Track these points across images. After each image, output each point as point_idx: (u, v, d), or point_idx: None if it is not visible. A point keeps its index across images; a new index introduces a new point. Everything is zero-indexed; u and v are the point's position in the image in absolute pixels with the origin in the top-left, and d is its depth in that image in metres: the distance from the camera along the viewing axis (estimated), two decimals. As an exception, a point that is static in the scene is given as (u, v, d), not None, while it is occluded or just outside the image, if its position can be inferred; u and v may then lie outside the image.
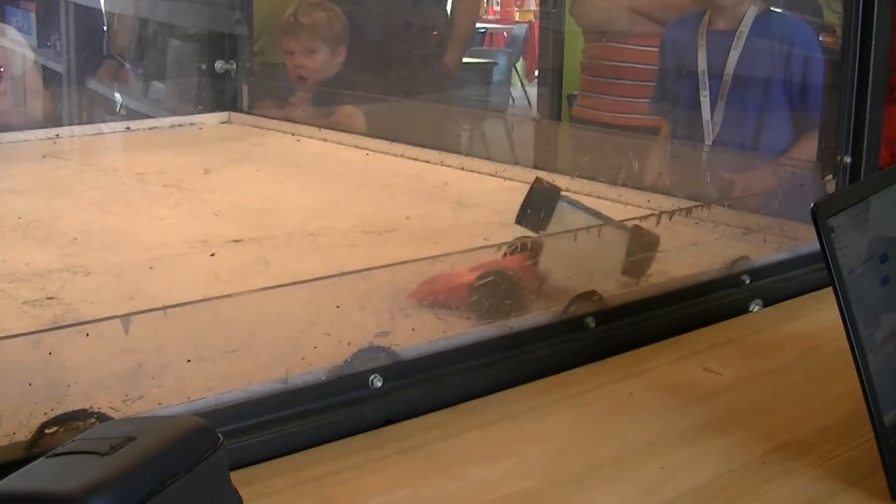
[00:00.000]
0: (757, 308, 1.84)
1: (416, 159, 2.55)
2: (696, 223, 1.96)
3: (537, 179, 1.95)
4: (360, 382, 1.42)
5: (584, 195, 2.29)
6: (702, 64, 3.14)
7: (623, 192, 2.37)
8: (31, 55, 3.98)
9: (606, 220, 1.90)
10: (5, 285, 1.61)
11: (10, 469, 1.08)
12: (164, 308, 1.35)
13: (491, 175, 2.51)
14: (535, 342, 1.58)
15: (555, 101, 3.93)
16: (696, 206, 2.02)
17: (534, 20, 8.25)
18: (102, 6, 4.66)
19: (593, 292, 1.68)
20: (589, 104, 3.72)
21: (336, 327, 1.43)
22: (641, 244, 1.82)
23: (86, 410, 1.29)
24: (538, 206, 1.88)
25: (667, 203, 2.27)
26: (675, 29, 3.40)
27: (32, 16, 4.46)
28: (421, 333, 1.50)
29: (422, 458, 1.32)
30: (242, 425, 1.33)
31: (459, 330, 1.54)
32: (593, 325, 1.64)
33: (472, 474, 1.26)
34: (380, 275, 1.50)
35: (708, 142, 3.06)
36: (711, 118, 3.06)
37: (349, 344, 1.44)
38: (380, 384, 1.43)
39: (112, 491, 1.00)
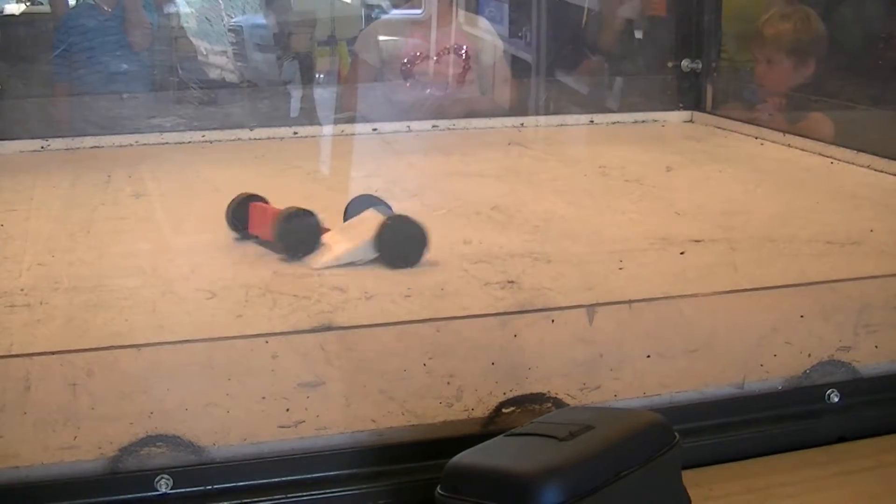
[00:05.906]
0: None
1: (882, 171, 2.46)
2: None
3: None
4: (816, 395, 1.40)
5: None
6: None
7: None
8: (500, 45, 4.09)
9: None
10: (469, 265, 1.66)
11: (465, 443, 1.13)
12: (629, 301, 1.36)
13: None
14: None
15: None
16: None
17: None
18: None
19: None
20: None
21: (797, 337, 1.41)
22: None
23: (543, 395, 1.33)
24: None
25: None
26: None
27: (505, 7, 4.61)
28: (885, 351, 1.45)
29: (874, 480, 1.29)
30: (695, 426, 1.33)
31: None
32: None
33: (930, 504, 1.22)
34: (846, 287, 1.47)
35: None
36: None
37: (809, 355, 1.41)
38: (836, 399, 1.40)
39: (568, 476, 1.02)
